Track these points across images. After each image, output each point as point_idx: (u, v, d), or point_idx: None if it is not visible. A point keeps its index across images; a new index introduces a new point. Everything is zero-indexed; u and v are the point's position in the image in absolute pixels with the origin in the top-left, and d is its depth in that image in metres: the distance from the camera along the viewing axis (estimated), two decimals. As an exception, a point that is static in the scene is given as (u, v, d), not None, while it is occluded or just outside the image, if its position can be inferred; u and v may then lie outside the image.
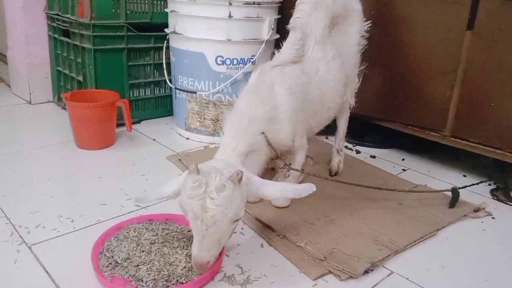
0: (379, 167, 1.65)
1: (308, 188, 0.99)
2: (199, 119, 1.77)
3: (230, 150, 1.03)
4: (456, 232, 1.25)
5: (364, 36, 1.41)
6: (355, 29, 1.37)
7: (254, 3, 1.63)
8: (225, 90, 1.71)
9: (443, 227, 1.26)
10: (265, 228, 1.19)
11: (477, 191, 1.49)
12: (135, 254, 0.98)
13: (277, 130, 1.13)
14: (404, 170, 1.65)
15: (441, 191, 1.41)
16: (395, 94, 1.68)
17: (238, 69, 1.70)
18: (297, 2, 1.29)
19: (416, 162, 1.73)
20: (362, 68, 1.45)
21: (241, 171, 0.91)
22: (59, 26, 1.99)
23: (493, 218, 1.34)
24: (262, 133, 1.09)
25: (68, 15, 1.89)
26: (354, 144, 1.86)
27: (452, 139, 1.57)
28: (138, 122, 1.96)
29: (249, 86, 1.16)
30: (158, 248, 1.01)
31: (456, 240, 1.21)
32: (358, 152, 1.79)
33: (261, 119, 1.09)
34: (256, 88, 1.14)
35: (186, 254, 0.99)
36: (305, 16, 1.25)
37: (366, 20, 1.43)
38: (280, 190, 1.00)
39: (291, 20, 1.27)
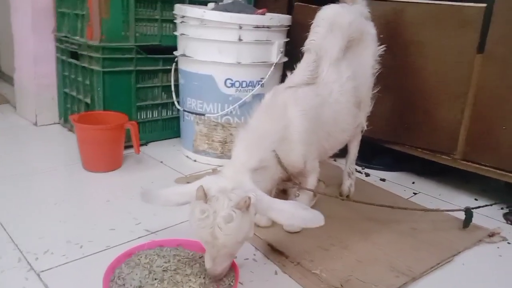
0: (389, 190, 1.63)
1: (316, 220, 0.98)
2: (207, 141, 1.76)
3: (240, 164, 1.02)
4: (473, 258, 1.22)
5: (377, 60, 1.41)
6: (370, 53, 1.37)
7: (263, 26, 1.64)
8: (234, 113, 1.71)
9: (459, 252, 1.23)
10: (278, 254, 1.16)
11: (490, 215, 1.47)
12: (147, 282, 0.96)
13: (287, 150, 1.12)
14: (415, 193, 1.64)
15: (454, 210, 1.39)
16: (405, 117, 1.68)
17: (247, 92, 1.69)
18: (312, 25, 1.30)
19: (427, 186, 1.71)
20: (375, 91, 1.45)
21: (249, 198, 0.90)
22: (67, 48, 2.00)
23: (508, 243, 1.32)
24: (274, 151, 1.08)
25: (77, 37, 1.90)
26: (363, 167, 1.84)
27: (464, 162, 1.56)
28: (145, 144, 1.95)
29: (262, 105, 1.17)
30: (171, 276, 0.98)
31: (473, 266, 1.18)
32: (367, 175, 1.78)
33: (272, 136, 1.09)
34: (269, 107, 1.15)
35: (199, 283, 0.96)
36: (320, 39, 1.26)
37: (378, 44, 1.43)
38: (287, 218, 0.99)
39: (306, 42, 1.28)
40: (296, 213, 0.98)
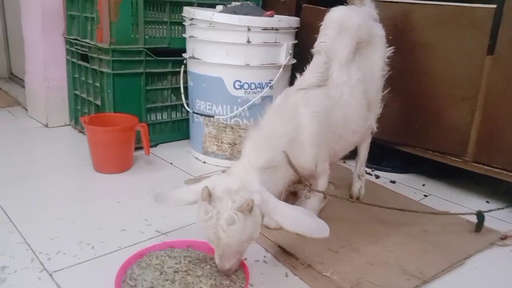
0: (399, 192, 1.62)
1: (321, 230, 0.96)
2: (216, 143, 1.77)
3: (248, 163, 1.02)
4: (484, 261, 1.21)
5: (386, 61, 1.41)
6: (379, 55, 1.37)
7: (272, 28, 1.64)
8: (243, 114, 1.71)
9: (471, 255, 1.22)
10: (288, 256, 1.16)
11: (502, 218, 1.46)
12: (158, 283, 0.96)
13: (298, 152, 1.12)
14: (425, 196, 1.63)
15: (466, 214, 1.38)
16: (414, 119, 1.67)
17: (256, 94, 1.70)
18: (321, 27, 1.30)
19: (437, 188, 1.70)
20: (384, 93, 1.45)
21: (252, 200, 0.90)
22: (77, 50, 2.01)
23: (521, 246, 1.31)
24: (284, 152, 1.09)
25: (87, 40, 1.91)
26: (373, 169, 1.84)
27: (474, 164, 1.55)
28: (155, 145, 1.96)
29: (273, 106, 1.17)
30: (182, 277, 0.98)
31: (485, 270, 1.17)
32: (377, 177, 1.77)
33: (282, 137, 1.09)
34: (280, 108, 1.16)
35: (210, 284, 0.96)
36: (330, 41, 1.26)
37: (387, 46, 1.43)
38: (291, 223, 0.97)
39: (316, 44, 1.27)
40: (301, 220, 0.97)
